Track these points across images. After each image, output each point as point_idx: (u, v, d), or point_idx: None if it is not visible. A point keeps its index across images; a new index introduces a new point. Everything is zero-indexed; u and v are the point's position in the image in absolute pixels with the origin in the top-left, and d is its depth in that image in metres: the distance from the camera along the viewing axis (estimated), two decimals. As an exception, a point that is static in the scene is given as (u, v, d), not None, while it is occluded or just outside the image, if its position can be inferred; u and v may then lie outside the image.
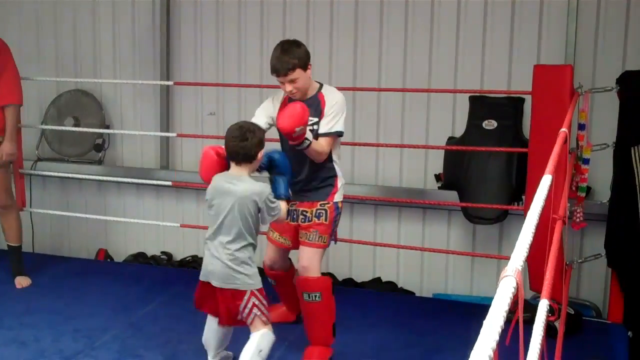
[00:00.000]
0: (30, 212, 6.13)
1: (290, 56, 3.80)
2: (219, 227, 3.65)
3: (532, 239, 1.80)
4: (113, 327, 4.59)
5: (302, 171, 3.97)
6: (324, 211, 3.99)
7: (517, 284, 1.46)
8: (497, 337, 1.23)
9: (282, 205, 3.73)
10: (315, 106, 3.89)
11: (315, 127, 3.88)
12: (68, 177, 6.31)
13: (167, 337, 4.47)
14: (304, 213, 4.00)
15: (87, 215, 6.06)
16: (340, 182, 4.04)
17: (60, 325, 4.60)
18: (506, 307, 1.35)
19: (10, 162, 5.22)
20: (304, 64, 3.84)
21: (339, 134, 3.92)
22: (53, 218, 6.50)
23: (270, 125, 4.00)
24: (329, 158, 3.97)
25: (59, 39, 6.73)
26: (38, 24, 6.77)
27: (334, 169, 4.02)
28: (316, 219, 3.98)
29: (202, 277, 3.75)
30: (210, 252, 3.68)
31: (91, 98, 6.57)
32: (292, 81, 3.82)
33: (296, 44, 3.89)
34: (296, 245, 4.14)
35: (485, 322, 1.31)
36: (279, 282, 4.49)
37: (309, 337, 4.11)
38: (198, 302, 3.85)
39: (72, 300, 5.09)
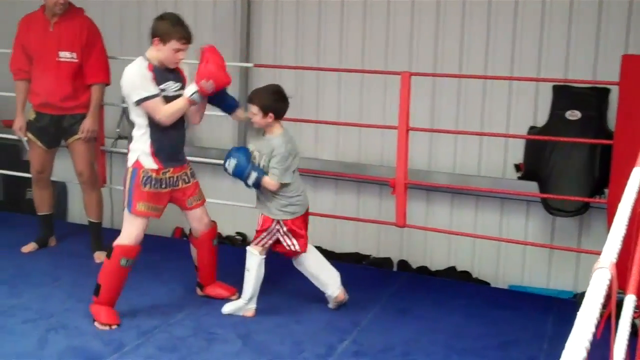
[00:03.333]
0: (110, 189, 6.24)
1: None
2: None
3: (624, 231, 1.74)
4: (188, 305, 4.66)
5: (180, 135, 4.46)
6: (193, 170, 4.59)
7: (611, 276, 1.41)
8: (592, 330, 1.19)
9: None
10: (177, 75, 4.35)
11: (180, 91, 4.29)
12: (147, 156, 6.40)
13: (241, 316, 4.51)
14: (184, 176, 4.45)
15: (165, 194, 6.12)
16: None
17: (137, 300, 4.68)
18: (601, 300, 1.30)
19: (93, 138, 5.34)
20: None
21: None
22: (132, 195, 6.61)
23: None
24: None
25: (141, 19, 6.81)
26: (121, 5, 6.87)
27: None
28: (193, 179, 4.55)
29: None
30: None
31: (172, 78, 6.64)
32: (185, 51, 4.28)
33: None
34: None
35: (579, 315, 1.27)
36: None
37: (211, 277, 4.80)
38: None
39: (149, 276, 5.17)
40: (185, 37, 4.22)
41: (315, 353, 4.05)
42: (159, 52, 4.21)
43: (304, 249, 4.47)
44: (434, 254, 5.90)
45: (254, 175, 4.33)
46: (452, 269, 5.78)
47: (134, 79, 4.15)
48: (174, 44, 4.18)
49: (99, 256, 5.36)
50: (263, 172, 4.33)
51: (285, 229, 4.42)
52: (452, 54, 5.69)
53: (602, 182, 4.95)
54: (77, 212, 6.58)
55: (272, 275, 5.36)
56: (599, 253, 1.56)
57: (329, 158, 6.14)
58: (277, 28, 6.31)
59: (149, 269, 5.32)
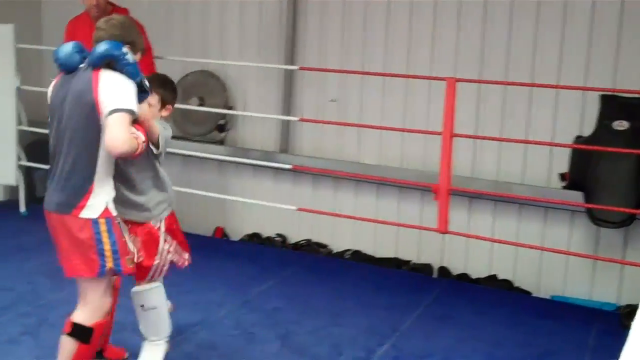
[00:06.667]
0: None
1: None
2: None
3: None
4: (228, 303, 4.69)
5: None
6: None
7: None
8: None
9: None
10: None
11: None
12: (190, 156, 6.45)
13: (280, 317, 4.53)
14: None
15: (207, 193, 6.16)
16: None
17: (177, 297, 4.69)
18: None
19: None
20: None
21: None
22: (174, 194, 6.64)
23: None
24: None
25: (188, 20, 6.88)
26: (168, 5, 6.93)
27: None
28: None
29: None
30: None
31: (216, 79, 6.69)
32: None
33: None
34: None
35: (633, 325, 1.24)
36: None
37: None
38: None
39: (190, 274, 5.17)
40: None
41: (354, 356, 4.05)
42: None
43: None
44: (475, 261, 5.84)
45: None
46: (493, 277, 5.72)
47: (129, 88, 3.20)
48: (138, 56, 3.39)
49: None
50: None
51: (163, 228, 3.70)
52: (498, 60, 5.65)
53: (649, 194, 4.88)
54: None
55: (314, 277, 5.38)
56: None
57: (370, 162, 6.12)
58: (323, 31, 6.31)
59: (190, 267, 5.34)
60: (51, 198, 3.23)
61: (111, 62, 3.17)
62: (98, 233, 3.18)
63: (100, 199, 3.19)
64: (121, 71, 3.19)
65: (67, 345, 3.28)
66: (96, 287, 3.28)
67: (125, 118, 3.10)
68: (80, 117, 3.14)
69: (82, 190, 3.16)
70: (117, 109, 3.09)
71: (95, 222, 3.17)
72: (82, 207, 3.15)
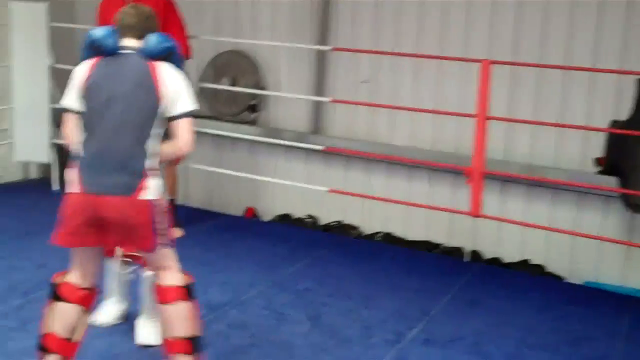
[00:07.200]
0: (186, 167, 6.31)
1: None
2: None
3: None
4: (259, 283, 4.69)
5: None
6: None
7: None
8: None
9: None
10: None
11: None
12: (222, 136, 6.46)
13: (311, 297, 4.53)
14: None
15: (239, 174, 6.16)
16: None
17: (209, 276, 4.73)
18: None
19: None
20: None
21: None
22: (206, 174, 6.67)
23: None
24: None
25: (219, 0, 6.86)
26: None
27: None
28: None
29: None
30: None
31: (248, 59, 6.68)
32: None
33: None
34: None
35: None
36: None
37: None
38: None
39: (221, 254, 5.24)
40: None
41: (384, 339, 4.04)
42: None
43: None
44: (507, 245, 5.81)
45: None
46: (525, 262, 5.68)
47: (188, 84, 3.31)
48: None
49: (174, 232, 5.41)
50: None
51: None
52: (532, 42, 5.58)
53: (686, 180, 4.80)
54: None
55: (345, 259, 5.38)
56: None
57: (402, 144, 6.09)
58: (355, 12, 6.27)
59: (221, 247, 5.41)
60: (101, 180, 3.15)
61: (167, 55, 3.25)
62: (156, 214, 3.17)
63: (156, 181, 3.19)
64: (173, 63, 3.26)
65: (178, 311, 3.25)
66: (170, 253, 3.29)
67: (191, 120, 3.24)
68: (142, 103, 3.15)
69: (141, 172, 3.15)
70: (188, 112, 3.21)
71: (153, 204, 3.16)
72: (141, 189, 3.14)
